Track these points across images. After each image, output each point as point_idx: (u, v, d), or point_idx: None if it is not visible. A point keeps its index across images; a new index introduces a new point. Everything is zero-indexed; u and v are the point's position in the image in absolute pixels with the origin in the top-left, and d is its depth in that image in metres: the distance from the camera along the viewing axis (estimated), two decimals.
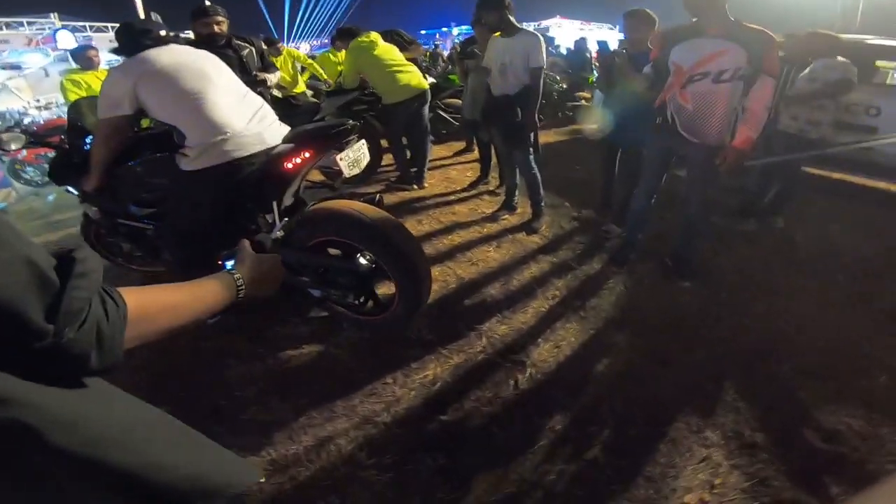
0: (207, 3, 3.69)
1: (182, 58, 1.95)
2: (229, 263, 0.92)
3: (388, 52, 3.92)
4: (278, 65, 5.13)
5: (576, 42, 8.76)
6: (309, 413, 1.86)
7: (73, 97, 3.51)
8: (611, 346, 2.21)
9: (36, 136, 4.17)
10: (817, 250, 3.08)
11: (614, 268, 2.87)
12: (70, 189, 2.45)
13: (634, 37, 2.88)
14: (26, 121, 5.28)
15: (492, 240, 3.34)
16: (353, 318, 2.30)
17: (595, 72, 7.93)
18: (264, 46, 3.99)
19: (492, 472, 1.61)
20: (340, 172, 2.28)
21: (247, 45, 3.46)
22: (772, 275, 2.80)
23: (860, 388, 1.91)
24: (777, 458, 1.62)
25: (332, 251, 2.15)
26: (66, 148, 2.49)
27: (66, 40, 10.88)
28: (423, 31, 38.47)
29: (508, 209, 3.78)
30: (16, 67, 7.04)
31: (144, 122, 2.43)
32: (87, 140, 2.36)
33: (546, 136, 4.84)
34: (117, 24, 2.04)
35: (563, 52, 9.46)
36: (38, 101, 6.30)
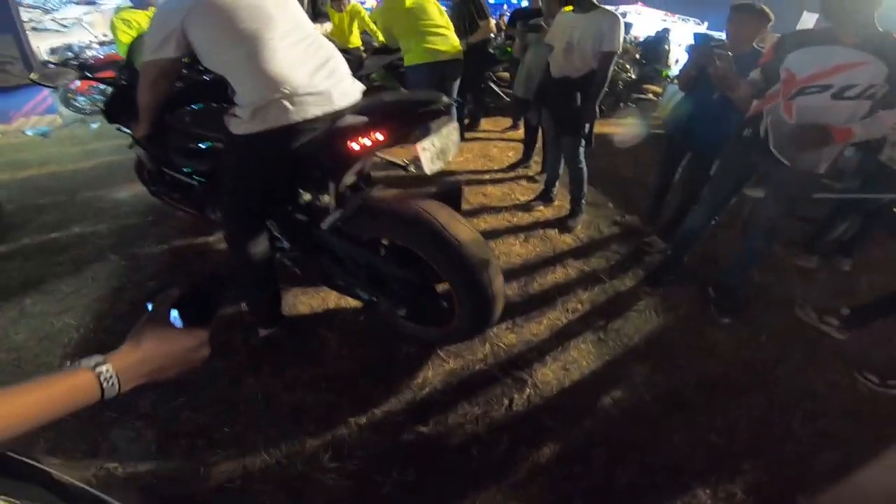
0: None
1: None
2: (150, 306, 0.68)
3: (425, 10, 3.43)
4: (336, 21, 4.94)
5: (657, 32, 8.09)
6: (280, 398, 1.74)
7: (122, 36, 3.47)
8: (624, 378, 1.95)
9: (90, 70, 4.24)
10: None
11: (648, 288, 2.55)
12: (121, 129, 2.34)
13: (739, 33, 2.36)
14: (87, 54, 5.42)
15: (520, 232, 3.08)
16: (397, 323, 2.00)
17: (669, 66, 7.35)
18: None
19: (459, 500, 1.44)
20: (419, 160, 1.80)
21: None
22: None
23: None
24: None
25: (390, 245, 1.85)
26: (124, 85, 2.27)
27: None
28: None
29: (545, 200, 3.48)
30: (91, 3, 7.25)
31: None
32: None
33: (601, 127, 4.41)
34: None
35: (638, 40, 8.78)
36: (105, 35, 6.45)
